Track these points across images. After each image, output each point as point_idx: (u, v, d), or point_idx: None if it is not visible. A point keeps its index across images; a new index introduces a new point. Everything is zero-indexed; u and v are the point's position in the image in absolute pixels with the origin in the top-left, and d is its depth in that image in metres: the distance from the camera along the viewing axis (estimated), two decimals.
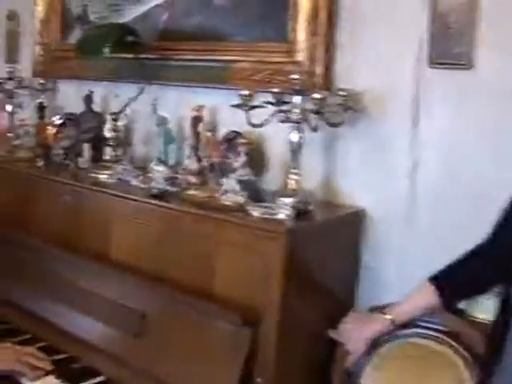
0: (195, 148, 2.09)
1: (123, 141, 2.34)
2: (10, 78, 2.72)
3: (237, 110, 1.87)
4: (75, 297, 2.10)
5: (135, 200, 2.01)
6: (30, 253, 2.29)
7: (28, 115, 2.75)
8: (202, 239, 1.84)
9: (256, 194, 1.90)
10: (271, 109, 1.85)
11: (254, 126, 1.87)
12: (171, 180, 2.03)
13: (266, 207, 1.81)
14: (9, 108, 2.72)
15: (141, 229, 2.00)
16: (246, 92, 1.86)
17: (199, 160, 2.08)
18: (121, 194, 2.08)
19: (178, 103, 2.28)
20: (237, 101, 1.87)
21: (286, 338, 1.73)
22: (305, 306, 1.78)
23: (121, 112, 2.32)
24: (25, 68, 2.81)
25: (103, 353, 1.94)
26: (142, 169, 2.22)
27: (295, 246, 1.71)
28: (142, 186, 2.11)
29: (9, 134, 2.69)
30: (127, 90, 2.34)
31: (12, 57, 2.79)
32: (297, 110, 1.84)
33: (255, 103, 1.86)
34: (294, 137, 1.85)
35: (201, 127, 2.09)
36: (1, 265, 2.36)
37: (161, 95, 2.29)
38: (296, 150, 1.85)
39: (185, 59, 2.31)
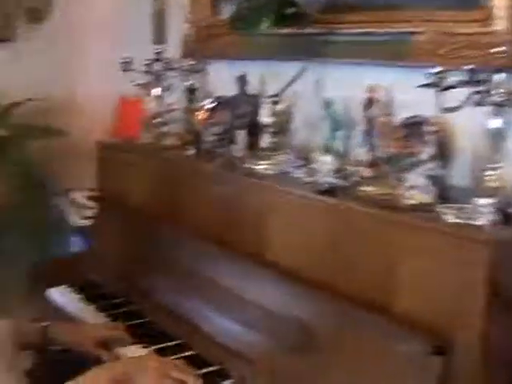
0: (368, 135, 1.79)
1: (282, 127, 2.07)
2: (157, 60, 2.52)
3: (416, 91, 1.57)
4: (224, 300, 1.89)
5: (298, 195, 1.75)
6: (176, 246, 2.11)
7: (176, 99, 2.55)
8: (381, 245, 1.54)
9: (445, 193, 1.58)
10: (462, 90, 1.53)
11: (446, 110, 1.54)
12: (340, 173, 1.75)
13: (459, 209, 1.49)
14: (156, 91, 2.53)
15: (303, 229, 1.74)
16: (438, 69, 1.53)
17: (372, 149, 1.78)
18: (280, 188, 1.82)
19: (345, 83, 1.98)
20: (421, 80, 1.55)
21: (486, 370, 1.41)
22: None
23: (280, 94, 2.06)
24: (173, 49, 2.60)
25: (255, 367, 1.70)
26: (305, 159, 1.95)
27: (501, 259, 1.38)
28: (306, 178, 1.84)
29: (156, 120, 2.50)
30: (287, 70, 2.07)
31: (160, 37, 2.58)
32: (500, 90, 1.50)
33: (447, 83, 1.54)
34: (496, 123, 1.51)
35: (375, 111, 1.79)
36: (145, 258, 2.22)
37: (325, 74, 2.00)
38: (497, 138, 1.51)
39: (353, 33, 2.01)
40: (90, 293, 2.29)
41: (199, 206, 2.11)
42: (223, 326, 1.86)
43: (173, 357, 1.79)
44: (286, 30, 2.12)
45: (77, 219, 2.96)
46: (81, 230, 2.85)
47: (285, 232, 1.80)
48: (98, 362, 1.79)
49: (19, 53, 3.14)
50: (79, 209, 2.98)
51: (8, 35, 3.16)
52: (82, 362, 1.79)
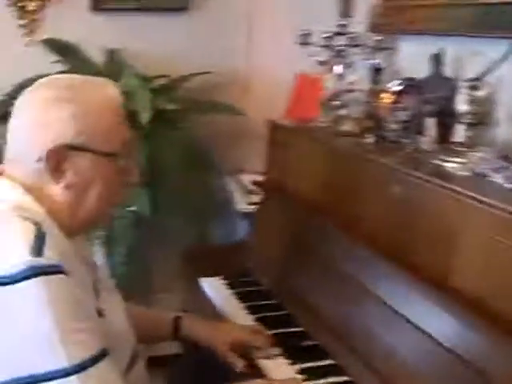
0: None
1: (482, 118, 1.69)
2: (339, 34, 2.22)
3: None
4: (389, 321, 1.56)
5: (498, 208, 1.37)
6: (338, 249, 1.82)
7: (358, 79, 2.22)
8: None
9: None
10: None
11: None
12: None
13: None
14: (338, 69, 2.23)
15: (505, 251, 1.36)
16: None
17: None
18: (474, 195, 1.45)
19: None
20: None
21: None
22: None
23: (482, 78, 1.69)
24: (358, 22, 2.27)
25: None
26: (507, 159, 1.57)
27: None
28: (507, 184, 1.47)
29: (333, 102, 2.20)
30: (491, 48, 1.71)
31: (345, 9, 2.28)
32: None
33: None
34: None
35: None
36: (303, 256, 1.97)
37: None
38: None
39: None
40: (242, 289, 2.08)
41: (370, 208, 1.79)
42: (384, 349, 1.55)
43: (322, 381, 1.55)
44: None
45: (243, 204, 2.75)
46: (246, 217, 2.64)
47: (476, 252, 1.43)
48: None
49: (192, 23, 3.04)
50: (246, 193, 2.76)
51: (184, 3, 3.01)
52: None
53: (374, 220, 1.76)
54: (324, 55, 2.24)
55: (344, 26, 2.24)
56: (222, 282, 2.15)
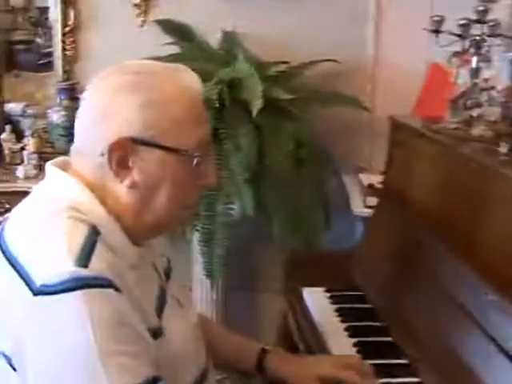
0: None
1: None
2: (478, 22, 1.93)
3: None
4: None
5: None
6: (451, 275, 1.58)
7: (497, 74, 1.92)
8: None
9: None
10: None
11: None
12: None
13: None
14: (473, 62, 1.92)
15: None
16: None
17: None
18: None
19: None
20: None
21: None
22: None
23: None
24: (502, 9, 1.98)
25: None
26: None
27: None
28: None
29: (465, 100, 1.90)
30: None
31: None
32: None
33: None
34: None
35: None
36: (410, 277, 1.76)
37: None
38: None
39: None
40: (345, 305, 1.88)
41: (494, 231, 1.51)
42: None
43: None
44: None
45: (360, 207, 2.52)
46: (362, 221, 2.42)
47: None
48: None
49: (317, 7, 2.85)
50: (364, 195, 2.54)
51: None
52: None
53: (496, 246, 1.48)
54: (458, 45, 1.97)
55: (484, 11, 1.95)
56: (325, 294, 1.96)
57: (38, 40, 2.93)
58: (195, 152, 1.15)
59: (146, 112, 1.11)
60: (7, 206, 2.40)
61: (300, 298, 1.96)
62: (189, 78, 1.18)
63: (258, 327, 2.92)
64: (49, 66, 2.89)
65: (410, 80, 2.59)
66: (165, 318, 1.20)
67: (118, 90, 1.13)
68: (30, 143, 2.69)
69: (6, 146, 2.71)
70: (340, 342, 1.68)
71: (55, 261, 1.05)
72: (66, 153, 1.25)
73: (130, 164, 1.13)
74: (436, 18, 2.00)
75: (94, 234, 1.09)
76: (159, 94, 1.13)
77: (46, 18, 2.85)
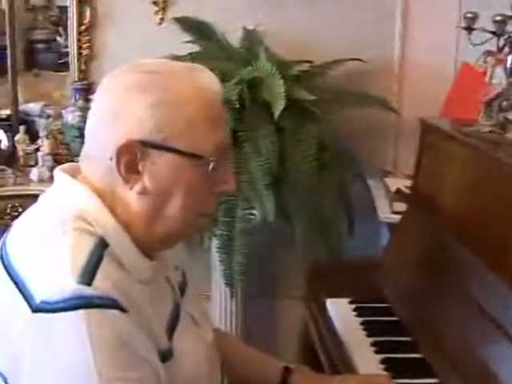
0: None
1: None
2: None
3: None
4: None
5: None
6: (481, 287, 1.51)
7: None
8: None
9: None
10: None
11: None
12: None
13: None
14: (509, 62, 1.83)
15: None
16: None
17: None
18: None
19: None
20: None
21: None
22: None
23: None
24: None
25: None
26: None
27: None
28: None
29: (500, 102, 1.82)
30: None
31: None
32: None
33: None
34: None
35: None
36: (440, 288, 1.68)
37: None
38: None
39: None
40: (371, 318, 1.80)
41: None
42: None
43: None
44: None
45: (386, 212, 2.44)
46: (389, 228, 2.35)
47: None
48: None
49: (342, 4, 2.81)
50: (390, 200, 2.46)
51: None
52: None
53: None
54: (493, 44, 1.90)
55: None
56: (350, 306, 1.88)
57: (59, 39, 2.92)
58: (212, 156, 1.07)
59: (157, 112, 1.04)
60: (20, 209, 2.36)
61: (323, 309, 1.89)
62: (206, 79, 1.11)
63: (278, 334, 2.89)
64: (68, 66, 2.87)
65: (438, 80, 2.55)
66: (176, 338, 1.13)
67: (129, 89, 1.06)
68: (45, 144, 2.62)
69: (20, 147, 2.65)
70: (366, 359, 1.60)
71: (57, 276, 0.98)
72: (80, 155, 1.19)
73: (140, 168, 1.06)
74: (469, 15, 1.95)
75: (101, 246, 1.02)
76: (173, 93, 1.06)
77: (67, 17, 2.82)
